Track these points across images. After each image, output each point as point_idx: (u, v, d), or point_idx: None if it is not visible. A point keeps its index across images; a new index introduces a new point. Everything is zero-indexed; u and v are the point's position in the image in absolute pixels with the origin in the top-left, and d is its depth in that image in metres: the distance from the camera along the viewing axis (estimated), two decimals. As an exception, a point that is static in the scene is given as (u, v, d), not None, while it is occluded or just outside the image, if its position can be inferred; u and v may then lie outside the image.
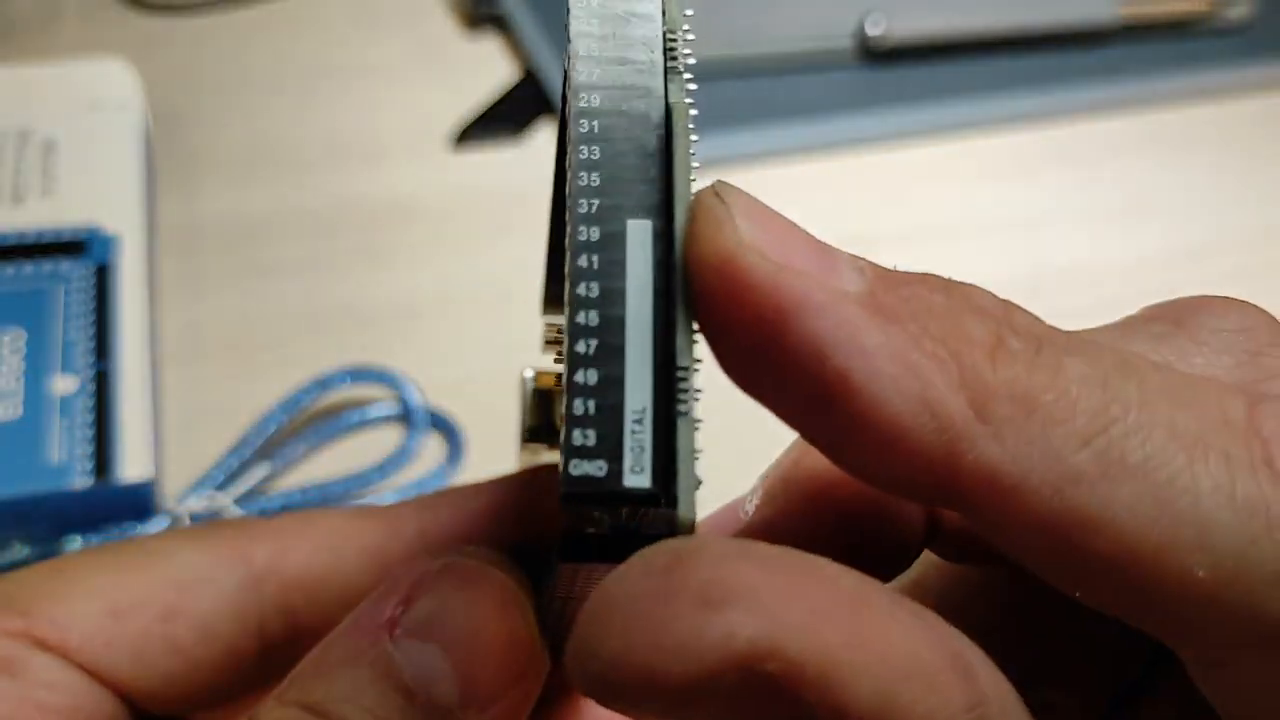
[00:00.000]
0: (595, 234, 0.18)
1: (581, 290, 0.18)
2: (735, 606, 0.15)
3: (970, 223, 0.65)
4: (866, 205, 0.65)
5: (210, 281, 0.56)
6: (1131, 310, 0.23)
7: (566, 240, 0.18)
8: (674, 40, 0.20)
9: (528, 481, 0.28)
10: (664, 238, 0.19)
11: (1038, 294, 0.58)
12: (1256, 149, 0.70)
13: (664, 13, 0.20)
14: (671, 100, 0.20)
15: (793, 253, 0.18)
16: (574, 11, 0.19)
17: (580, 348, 0.18)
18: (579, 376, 0.18)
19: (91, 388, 0.46)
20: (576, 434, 0.17)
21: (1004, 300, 0.19)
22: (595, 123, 0.19)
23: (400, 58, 0.70)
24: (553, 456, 0.29)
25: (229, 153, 0.63)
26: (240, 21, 0.70)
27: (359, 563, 0.27)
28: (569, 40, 0.19)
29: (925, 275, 0.19)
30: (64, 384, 0.46)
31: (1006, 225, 0.65)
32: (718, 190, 0.18)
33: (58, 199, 0.54)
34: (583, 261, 0.18)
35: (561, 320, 0.18)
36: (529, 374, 0.28)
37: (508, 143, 0.65)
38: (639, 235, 0.19)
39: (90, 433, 0.45)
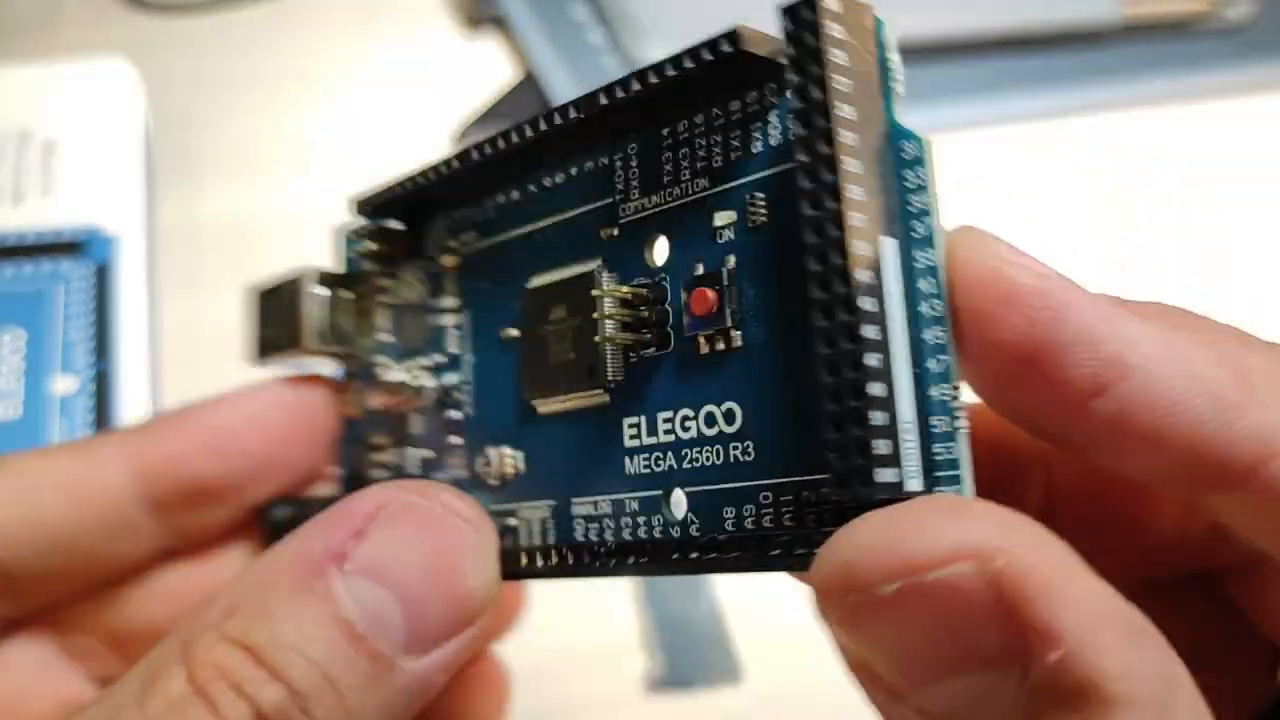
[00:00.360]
0: (869, 250, 0.20)
1: (867, 304, 0.19)
2: (974, 517, 0.18)
3: (970, 223, 0.64)
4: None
5: (210, 281, 0.56)
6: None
7: (846, 254, 0.19)
8: (891, 63, 0.22)
9: (288, 402, 0.32)
10: (905, 257, 0.21)
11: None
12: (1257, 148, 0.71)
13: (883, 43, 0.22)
14: (919, 135, 0.22)
15: (1043, 268, 0.21)
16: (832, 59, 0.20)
17: (873, 361, 0.19)
18: (875, 389, 0.19)
19: (91, 388, 0.46)
20: (879, 444, 0.19)
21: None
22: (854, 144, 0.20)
23: (400, 58, 0.69)
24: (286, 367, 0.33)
25: (229, 153, 0.63)
26: (240, 21, 0.70)
27: (55, 500, 0.29)
28: (830, 76, 0.20)
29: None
30: (64, 384, 0.47)
31: (1006, 225, 0.64)
32: (967, 226, 0.21)
33: (58, 199, 0.54)
34: (864, 276, 0.19)
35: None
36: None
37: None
38: (890, 253, 0.20)
39: (90, 432, 0.45)
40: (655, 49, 0.68)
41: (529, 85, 0.68)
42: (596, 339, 0.25)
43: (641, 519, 0.25)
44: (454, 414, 0.30)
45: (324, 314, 0.31)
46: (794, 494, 0.22)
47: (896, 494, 0.19)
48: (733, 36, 0.22)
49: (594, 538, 0.26)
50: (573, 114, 0.25)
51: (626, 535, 0.25)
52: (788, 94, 0.21)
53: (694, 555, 0.23)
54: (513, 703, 0.42)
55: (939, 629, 0.18)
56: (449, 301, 0.30)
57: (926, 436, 0.20)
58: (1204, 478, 0.20)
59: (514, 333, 0.28)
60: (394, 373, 0.31)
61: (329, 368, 0.33)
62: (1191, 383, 0.20)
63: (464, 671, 0.33)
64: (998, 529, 0.18)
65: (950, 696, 0.18)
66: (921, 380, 0.20)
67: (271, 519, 0.32)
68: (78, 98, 0.58)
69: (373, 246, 0.32)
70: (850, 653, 0.20)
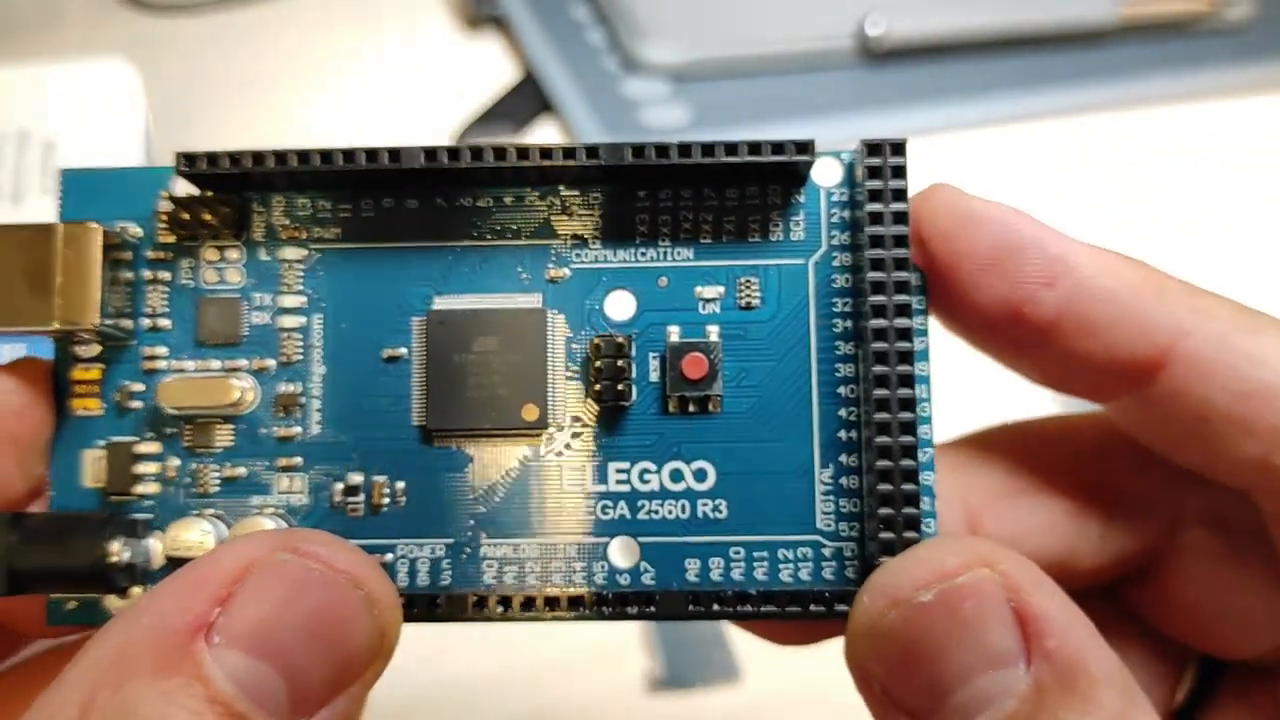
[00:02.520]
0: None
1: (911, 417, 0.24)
2: (976, 540, 0.22)
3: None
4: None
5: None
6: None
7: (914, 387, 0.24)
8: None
9: None
10: None
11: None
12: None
13: None
14: (919, 268, 0.26)
15: (995, 201, 0.25)
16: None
17: (915, 463, 0.24)
18: (919, 481, 0.24)
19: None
20: (917, 521, 0.23)
21: None
22: None
23: (400, 57, 0.69)
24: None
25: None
26: (240, 21, 0.69)
27: None
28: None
29: None
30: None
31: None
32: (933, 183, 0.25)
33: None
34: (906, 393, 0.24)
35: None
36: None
37: (509, 139, 0.65)
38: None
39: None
40: (655, 49, 0.67)
41: (529, 85, 0.68)
42: (545, 379, 0.25)
43: (579, 565, 0.25)
44: (288, 429, 0.25)
45: (105, 280, 0.25)
46: (768, 550, 0.25)
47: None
48: (805, 147, 0.24)
49: (509, 580, 0.25)
50: (585, 158, 0.24)
51: (557, 580, 0.25)
52: (809, 204, 0.25)
53: (715, 607, 0.24)
54: (510, 705, 0.43)
55: (968, 631, 0.21)
56: (290, 300, 0.26)
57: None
58: (1128, 366, 0.24)
59: (402, 352, 0.25)
60: (194, 369, 0.25)
61: (37, 342, 0.26)
62: (1119, 280, 0.24)
63: None
64: (992, 546, 0.22)
65: (968, 704, 0.20)
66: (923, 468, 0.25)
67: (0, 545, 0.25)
68: (78, 98, 0.58)
69: (181, 214, 0.26)
70: (878, 680, 0.22)
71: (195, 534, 0.25)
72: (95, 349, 0.26)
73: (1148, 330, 0.24)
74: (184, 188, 0.26)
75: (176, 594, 0.20)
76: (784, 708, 0.48)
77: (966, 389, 0.29)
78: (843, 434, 0.25)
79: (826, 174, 0.25)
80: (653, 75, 0.67)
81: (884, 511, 0.23)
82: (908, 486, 0.23)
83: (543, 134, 0.66)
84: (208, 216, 0.26)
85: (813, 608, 0.24)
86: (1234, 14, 0.75)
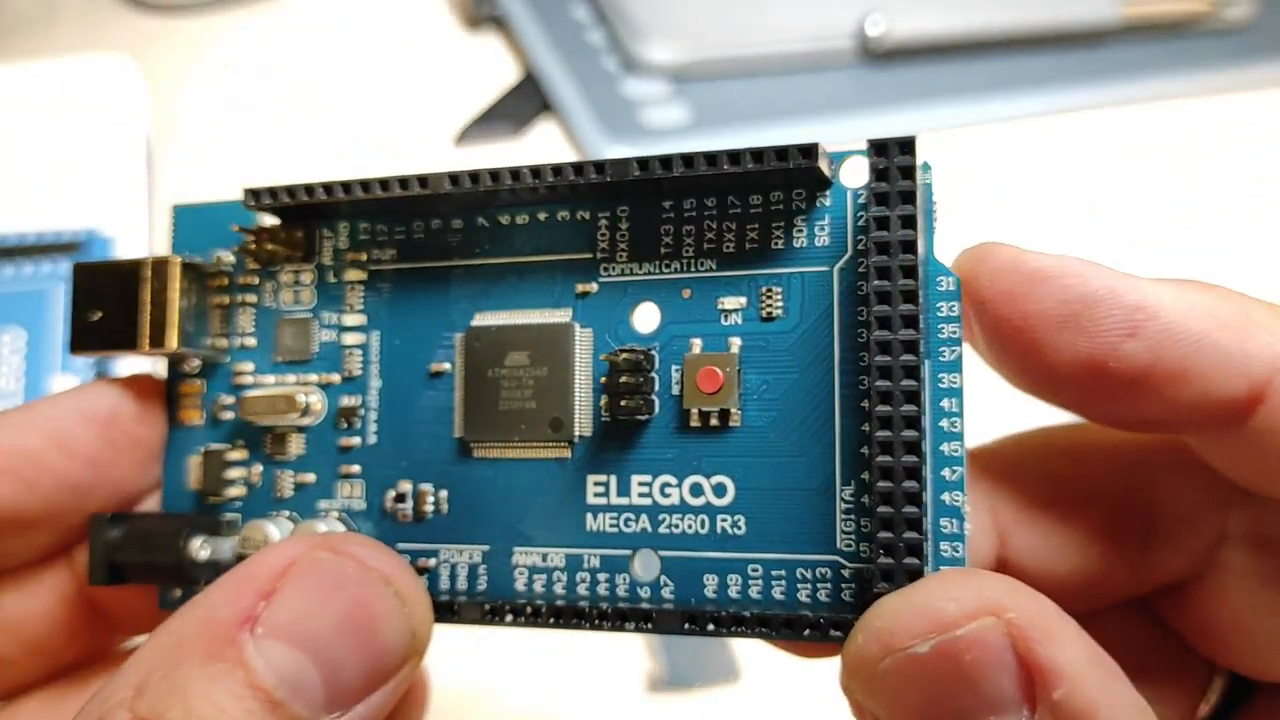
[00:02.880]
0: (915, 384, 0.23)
1: (913, 436, 0.23)
2: (985, 581, 0.21)
3: (969, 222, 0.65)
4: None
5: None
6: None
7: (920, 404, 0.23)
8: (935, 206, 0.25)
9: (99, 415, 0.28)
10: (933, 378, 0.24)
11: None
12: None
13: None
14: (953, 271, 0.24)
15: (1053, 254, 0.24)
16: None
17: (918, 486, 0.23)
18: (918, 507, 0.23)
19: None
20: (918, 546, 0.23)
21: None
22: None
23: (400, 58, 0.68)
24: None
25: (228, 152, 0.63)
26: (240, 21, 0.70)
27: None
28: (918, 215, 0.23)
29: None
30: (64, 383, 0.47)
31: (1008, 220, 0.65)
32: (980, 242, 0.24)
33: (57, 199, 0.54)
34: (910, 410, 0.23)
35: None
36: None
37: (509, 140, 0.64)
38: (929, 380, 0.24)
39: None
40: (655, 49, 0.66)
41: (529, 85, 0.68)
42: (571, 392, 0.25)
43: (602, 576, 0.25)
44: (349, 439, 0.27)
45: (184, 308, 0.27)
46: (786, 570, 0.24)
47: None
48: (809, 151, 0.24)
49: (538, 589, 0.25)
50: (593, 176, 0.25)
51: (581, 590, 0.25)
52: (835, 208, 0.25)
53: (710, 626, 0.24)
54: (513, 704, 0.43)
55: (968, 682, 0.20)
56: (351, 319, 0.28)
57: (937, 534, 0.24)
58: (1225, 406, 0.23)
59: (445, 367, 0.27)
60: (273, 384, 0.28)
61: (156, 365, 0.28)
62: (1205, 320, 0.23)
63: None
64: (1004, 589, 0.21)
65: None
66: (939, 487, 0.23)
67: (102, 540, 0.27)
68: (78, 97, 0.58)
69: (252, 244, 0.28)
70: (871, 718, 0.21)
71: (260, 535, 0.27)
72: (196, 364, 0.28)
73: (1243, 369, 0.23)
74: (259, 219, 0.28)
75: (226, 590, 0.22)
76: (783, 708, 0.48)
77: (992, 392, 0.29)
78: (866, 450, 0.24)
79: (854, 174, 0.24)
80: (653, 75, 0.67)
81: (884, 536, 0.22)
82: (909, 510, 0.22)
83: (543, 134, 0.66)
84: (278, 246, 0.28)
85: (807, 633, 0.23)
86: (1234, 14, 0.75)
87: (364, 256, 0.28)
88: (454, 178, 0.25)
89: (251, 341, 0.28)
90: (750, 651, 0.50)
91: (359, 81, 0.68)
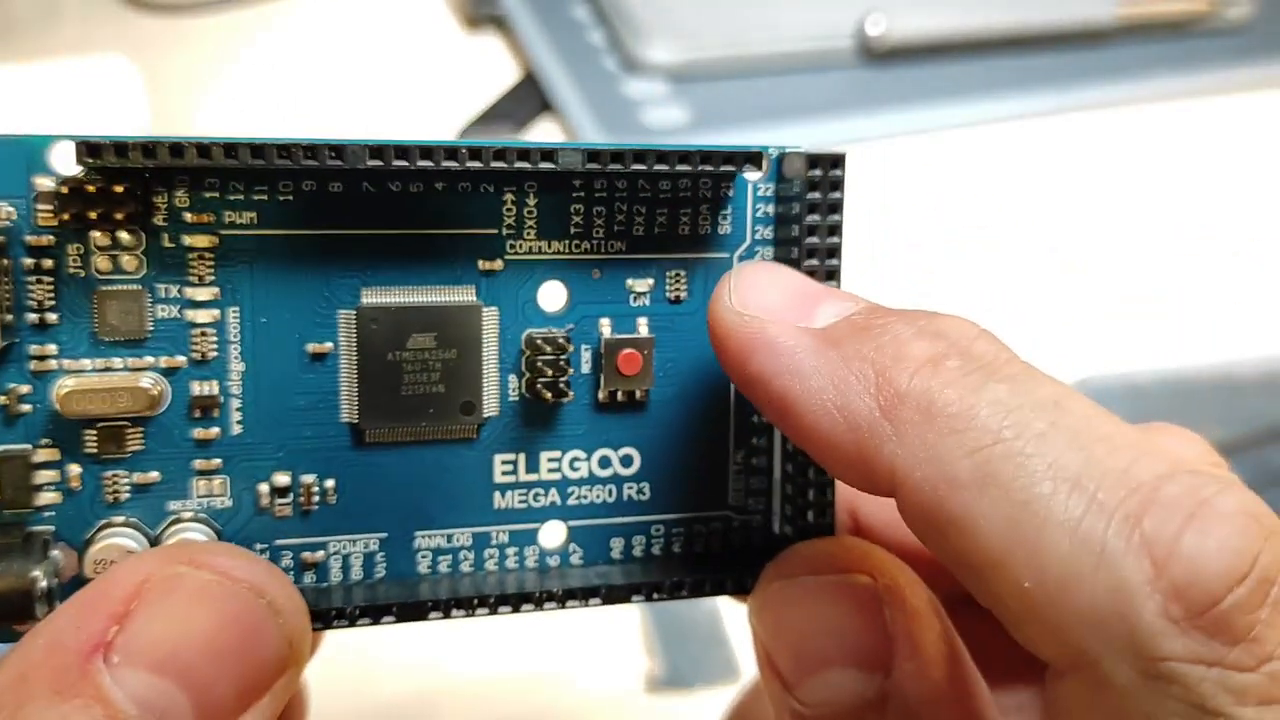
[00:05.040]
0: None
1: None
2: (874, 550, 0.24)
3: (969, 221, 0.65)
4: (865, 204, 0.64)
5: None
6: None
7: None
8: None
9: None
10: None
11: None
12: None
13: None
14: None
15: (768, 304, 0.22)
16: None
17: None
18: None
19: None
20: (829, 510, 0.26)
21: (980, 332, 0.21)
22: None
23: (401, 58, 0.66)
24: None
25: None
26: (240, 21, 0.66)
27: None
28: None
29: (912, 311, 0.22)
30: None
31: (1005, 224, 0.64)
32: (730, 271, 0.24)
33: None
34: None
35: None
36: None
37: (508, 139, 0.65)
38: None
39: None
40: (655, 49, 0.66)
41: (529, 85, 0.67)
42: (482, 375, 0.25)
43: (511, 550, 0.26)
44: (206, 431, 0.24)
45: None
46: (686, 527, 0.27)
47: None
48: (755, 158, 0.25)
49: (443, 569, 0.25)
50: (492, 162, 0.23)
51: (490, 565, 0.26)
52: (737, 199, 0.26)
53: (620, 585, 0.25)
54: (510, 701, 0.43)
55: (832, 622, 0.22)
56: (201, 293, 0.24)
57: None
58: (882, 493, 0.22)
59: (328, 347, 0.24)
60: (90, 369, 0.23)
61: None
62: (835, 414, 0.21)
63: None
64: (889, 561, 0.23)
65: (827, 689, 0.22)
66: None
67: None
68: (78, 98, 0.59)
69: (51, 197, 0.22)
70: (761, 644, 0.24)
71: (114, 553, 0.23)
72: None
73: (866, 476, 0.21)
74: (63, 165, 0.23)
75: (72, 614, 0.20)
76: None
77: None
78: (755, 418, 0.27)
79: (755, 169, 0.26)
80: (653, 75, 0.66)
81: (793, 497, 0.26)
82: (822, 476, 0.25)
83: (543, 134, 0.66)
84: (97, 206, 0.23)
85: (707, 586, 0.26)
86: (1234, 14, 0.75)
87: (209, 219, 0.23)
88: (337, 150, 0.22)
89: (53, 318, 0.23)
90: (751, 651, 0.50)
91: (359, 81, 0.63)
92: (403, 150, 0.23)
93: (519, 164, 0.23)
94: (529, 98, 0.67)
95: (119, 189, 0.23)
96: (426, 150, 0.23)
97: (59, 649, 0.19)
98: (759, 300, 0.23)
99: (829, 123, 0.68)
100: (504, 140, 0.24)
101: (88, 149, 0.22)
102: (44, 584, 0.22)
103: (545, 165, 0.23)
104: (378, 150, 0.23)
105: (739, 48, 0.70)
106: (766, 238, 0.26)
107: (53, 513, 0.23)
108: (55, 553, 0.23)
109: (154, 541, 0.24)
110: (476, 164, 0.23)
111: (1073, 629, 0.18)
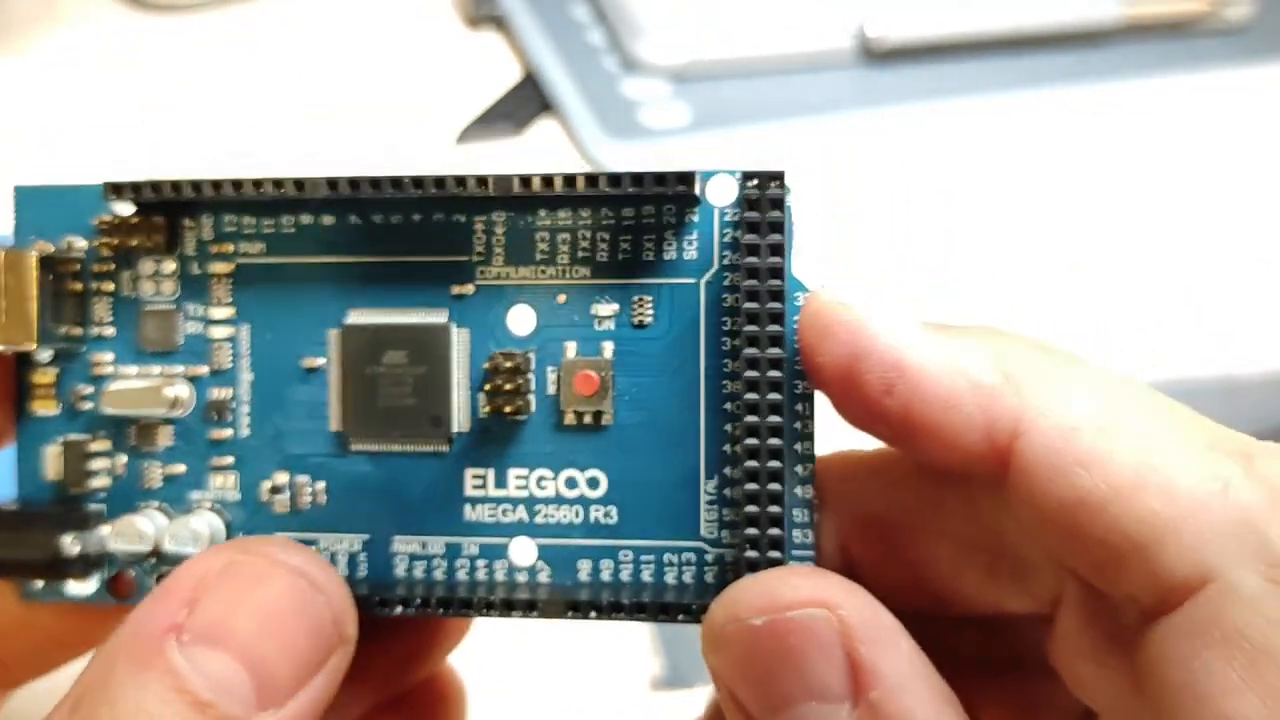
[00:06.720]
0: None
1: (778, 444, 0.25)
2: (826, 579, 0.23)
3: (969, 221, 0.65)
4: (865, 205, 0.65)
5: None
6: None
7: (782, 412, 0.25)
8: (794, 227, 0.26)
9: None
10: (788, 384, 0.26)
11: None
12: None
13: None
14: (808, 287, 0.26)
15: (854, 305, 0.24)
16: None
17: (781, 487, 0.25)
18: (782, 507, 0.25)
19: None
20: (782, 538, 0.25)
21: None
22: None
23: (401, 58, 0.69)
24: None
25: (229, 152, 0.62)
26: (239, 21, 0.69)
27: None
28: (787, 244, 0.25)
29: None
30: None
31: (1006, 224, 0.64)
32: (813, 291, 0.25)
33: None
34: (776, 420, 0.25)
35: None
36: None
37: (509, 139, 0.65)
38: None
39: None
40: (655, 49, 0.67)
41: (529, 85, 0.68)
42: (449, 391, 0.27)
43: (481, 562, 0.27)
44: (220, 432, 0.28)
45: (40, 298, 0.27)
46: (654, 555, 0.27)
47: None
48: (687, 178, 0.25)
49: (418, 574, 0.27)
50: (474, 188, 0.25)
51: (461, 575, 0.27)
52: (703, 223, 0.26)
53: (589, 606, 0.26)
54: (513, 701, 0.44)
55: (792, 662, 0.22)
56: (219, 311, 0.28)
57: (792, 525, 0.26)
58: (976, 467, 0.23)
59: (319, 362, 0.27)
60: (134, 375, 0.28)
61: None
62: (955, 379, 0.23)
63: (418, 690, 0.34)
64: (843, 590, 0.22)
65: None
66: (791, 481, 0.26)
67: None
68: (78, 98, 0.58)
69: (111, 238, 0.28)
70: (723, 682, 0.23)
71: (133, 529, 0.27)
72: (49, 354, 0.28)
73: (987, 430, 0.23)
74: (121, 208, 0.28)
75: (149, 603, 0.23)
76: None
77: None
78: (728, 448, 0.26)
79: (721, 193, 0.26)
80: (653, 75, 0.67)
81: (750, 532, 0.25)
82: (773, 509, 0.25)
83: (543, 133, 0.66)
84: (140, 238, 0.28)
85: (680, 618, 0.25)
86: (1234, 14, 0.74)
87: (230, 249, 0.28)
88: (332, 183, 0.26)
89: (110, 331, 0.28)
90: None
91: (359, 81, 0.67)
92: (354, 182, 0.26)
93: (454, 190, 0.25)
94: (529, 98, 0.67)
95: (157, 223, 0.28)
96: (375, 181, 0.26)
97: (139, 631, 0.22)
98: (858, 300, 0.25)
99: (829, 123, 0.68)
100: (460, 173, 0.25)
101: (113, 189, 0.27)
102: (75, 549, 0.27)
103: (477, 191, 0.25)
104: (333, 182, 0.26)
105: (739, 48, 0.69)
106: (734, 263, 0.26)
107: (105, 494, 0.28)
108: (105, 527, 0.27)
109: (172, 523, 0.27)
110: (418, 192, 0.25)
111: (1208, 543, 0.20)
